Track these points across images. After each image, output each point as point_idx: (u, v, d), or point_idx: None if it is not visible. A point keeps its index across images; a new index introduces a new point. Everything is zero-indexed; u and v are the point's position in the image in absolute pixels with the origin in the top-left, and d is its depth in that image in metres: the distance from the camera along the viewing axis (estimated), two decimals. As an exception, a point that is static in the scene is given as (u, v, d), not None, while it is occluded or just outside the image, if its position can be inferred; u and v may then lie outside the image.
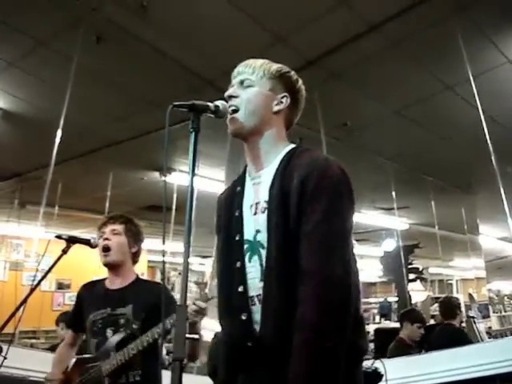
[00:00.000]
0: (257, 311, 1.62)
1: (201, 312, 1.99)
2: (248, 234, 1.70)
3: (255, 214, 1.70)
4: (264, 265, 1.62)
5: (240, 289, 1.65)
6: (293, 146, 1.80)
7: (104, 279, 2.88)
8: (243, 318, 1.62)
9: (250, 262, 1.67)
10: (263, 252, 1.63)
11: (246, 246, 1.69)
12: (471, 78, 4.63)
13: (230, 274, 1.71)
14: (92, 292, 2.88)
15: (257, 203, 1.71)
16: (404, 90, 5.50)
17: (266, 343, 1.56)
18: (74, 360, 2.78)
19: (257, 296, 1.62)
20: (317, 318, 1.45)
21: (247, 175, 1.83)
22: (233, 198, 1.82)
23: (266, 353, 1.56)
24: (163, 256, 1.57)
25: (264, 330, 1.57)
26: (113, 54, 4.65)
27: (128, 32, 4.28)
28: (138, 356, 2.51)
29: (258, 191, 1.73)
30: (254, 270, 1.65)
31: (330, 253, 1.52)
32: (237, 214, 1.76)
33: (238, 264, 1.68)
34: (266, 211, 1.65)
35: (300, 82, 1.86)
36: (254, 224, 1.68)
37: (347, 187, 1.63)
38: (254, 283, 1.64)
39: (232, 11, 3.99)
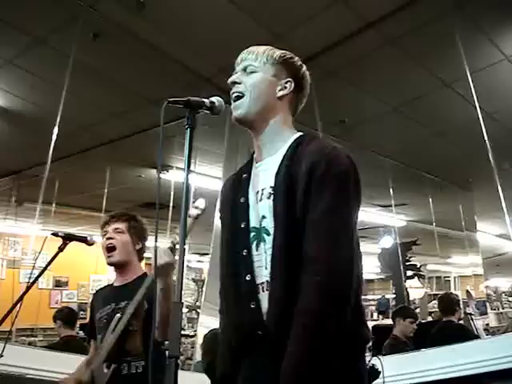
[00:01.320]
0: (264, 299, 1.60)
1: (166, 255, 1.98)
2: (254, 222, 1.68)
3: (260, 200, 1.69)
4: (269, 252, 1.61)
5: (247, 277, 1.64)
6: (300, 133, 1.79)
7: (113, 282, 2.87)
8: (252, 306, 1.61)
9: (257, 250, 1.65)
10: (268, 238, 1.62)
11: (252, 234, 1.67)
12: (468, 75, 4.62)
13: (237, 261, 1.69)
14: (101, 294, 2.88)
15: (262, 189, 1.69)
16: (401, 87, 5.50)
17: (270, 331, 1.55)
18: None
19: (262, 284, 1.62)
20: (317, 304, 1.45)
21: (254, 162, 1.82)
22: (238, 185, 1.81)
23: (270, 340, 1.55)
24: (155, 253, 1.57)
25: (268, 317, 1.57)
26: (110, 51, 4.64)
27: (125, 29, 4.27)
28: (138, 343, 2.50)
29: (263, 178, 1.72)
30: (260, 257, 1.64)
31: (335, 242, 1.51)
32: (242, 200, 1.74)
33: (245, 252, 1.67)
34: (272, 197, 1.63)
35: (304, 67, 1.86)
36: (260, 210, 1.67)
37: (354, 177, 1.62)
38: (261, 271, 1.63)
39: (229, 8, 3.99)
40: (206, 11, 4.07)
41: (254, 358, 1.63)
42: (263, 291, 1.61)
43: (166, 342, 1.39)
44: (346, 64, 4.91)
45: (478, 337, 5.57)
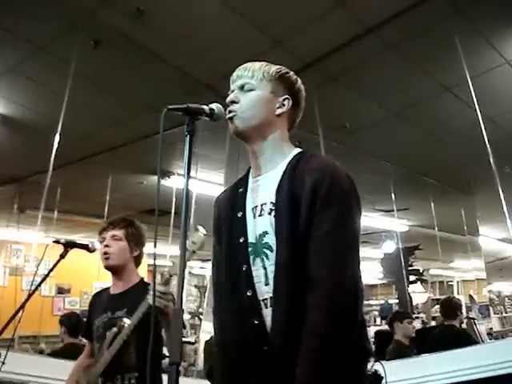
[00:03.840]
0: (267, 315, 1.59)
1: (164, 297, 2.08)
2: (252, 237, 1.67)
3: (260, 215, 1.67)
4: (268, 268, 1.61)
5: (249, 293, 1.63)
6: (299, 150, 1.78)
7: (110, 286, 2.87)
8: (255, 322, 1.60)
9: (253, 265, 1.64)
10: (271, 254, 1.61)
11: (250, 249, 1.66)
12: (469, 79, 4.63)
13: (236, 277, 1.68)
14: (99, 299, 2.88)
15: (262, 204, 1.68)
16: (402, 92, 5.50)
17: (275, 346, 1.54)
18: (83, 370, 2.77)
19: (264, 300, 1.61)
20: (326, 326, 1.45)
21: (250, 177, 1.81)
22: (235, 199, 1.79)
23: (275, 357, 1.55)
24: (154, 259, 1.61)
25: (274, 333, 1.56)
26: (110, 58, 4.65)
27: (125, 36, 4.28)
28: (133, 356, 2.50)
29: (262, 193, 1.71)
30: (258, 273, 1.63)
31: (340, 261, 1.52)
32: (239, 215, 1.73)
33: (244, 267, 1.66)
34: (273, 213, 1.62)
35: (299, 81, 1.85)
36: (259, 226, 1.66)
37: (356, 195, 1.63)
38: (261, 287, 1.62)
39: (229, 15, 3.99)
40: (206, 18, 4.08)
41: (256, 375, 1.61)
42: (266, 307, 1.61)
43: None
44: (347, 69, 4.92)
45: (478, 342, 5.57)
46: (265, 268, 1.62)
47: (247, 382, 1.64)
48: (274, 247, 1.60)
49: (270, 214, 1.64)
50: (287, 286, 1.55)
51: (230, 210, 1.78)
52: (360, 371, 1.61)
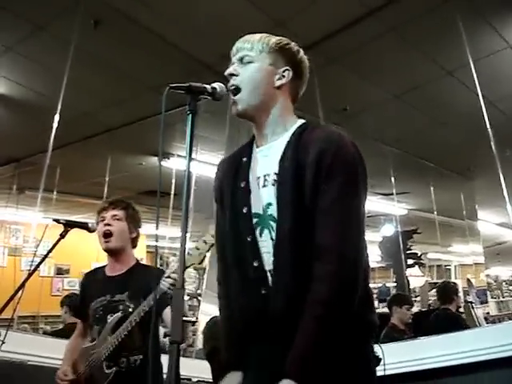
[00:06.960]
0: None
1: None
2: (256, 207, 1.66)
3: (264, 186, 1.66)
4: (274, 238, 1.60)
5: (255, 263, 1.62)
6: (303, 120, 1.76)
7: (105, 266, 2.87)
8: (263, 292, 1.60)
9: (261, 236, 1.64)
10: (274, 225, 1.60)
11: (255, 220, 1.65)
12: (471, 62, 4.60)
13: (242, 247, 1.67)
14: (93, 279, 2.88)
15: (265, 175, 1.67)
16: (403, 75, 5.48)
17: (277, 317, 1.55)
18: (80, 350, 2.77)
19: (271, 270, 1.60)
20: (329, 294, 1.45)
21: (254, 146, 1.79)
22: (237, 168, 1.77)
23: (279, 326, 1.55)
24: (156, 241, 1.63)
25: (275, 303, 1.56)
26: (110, 38, 4.62)
27: (125, 16, 4.25)
28: (137, 339, 2.52)
29: (264, 163, 1.69)
30: (266, 244, 1.62)
31: (345, 230, 1.52)
32: (243, 185, 1.71)
33: (250, 238, 1.65)
34: (277, 184, 1.62)
35: (301, 52, 1.81)
36: (264, 197, 1.65)
37: (361, 164, 1.61)
38: (268, 257, 1.61)
39: (230, -5, 3.97)
40: (208, -2, 4.05)
41: (262, 344, 1.62)
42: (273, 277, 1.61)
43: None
44: (348, 51, 4.89)
45: (467, 327, 5.59)
46: (272, 239, 1.61)
47: (253, 349, 1.65)
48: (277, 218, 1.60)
49: (273, 185, 1.63)
50: (288, 257, 1.55)
51: (233, 178, 1.76)
52: (362, 342, 1.63)
